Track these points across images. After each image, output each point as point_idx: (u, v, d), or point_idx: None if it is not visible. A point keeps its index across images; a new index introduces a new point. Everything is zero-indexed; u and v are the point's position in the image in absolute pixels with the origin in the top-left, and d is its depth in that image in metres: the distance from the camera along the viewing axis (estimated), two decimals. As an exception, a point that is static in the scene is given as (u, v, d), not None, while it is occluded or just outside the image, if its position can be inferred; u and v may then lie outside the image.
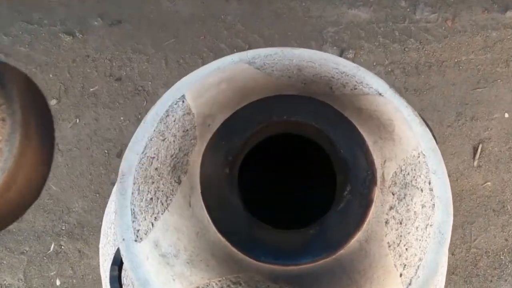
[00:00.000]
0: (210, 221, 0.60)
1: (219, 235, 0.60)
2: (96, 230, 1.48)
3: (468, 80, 1.63)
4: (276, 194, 0.85)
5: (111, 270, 0.71)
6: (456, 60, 1.64)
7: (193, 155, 0.65)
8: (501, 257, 1.47)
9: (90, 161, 1.56)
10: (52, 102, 1.60)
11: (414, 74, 1.62)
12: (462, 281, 1.44)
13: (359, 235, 0.60)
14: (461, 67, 1.63)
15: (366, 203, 0.61)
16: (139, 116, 1.56)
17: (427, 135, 0.73)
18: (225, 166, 0.62)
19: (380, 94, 0.73)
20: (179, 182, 0.63)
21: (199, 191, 0.62)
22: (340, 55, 1.64)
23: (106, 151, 1.56)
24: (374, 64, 1.63)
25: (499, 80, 1.62)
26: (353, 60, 1.63)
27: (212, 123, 0.66)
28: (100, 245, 0.97)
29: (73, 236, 1.50)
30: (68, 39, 1.65)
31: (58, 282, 1.47)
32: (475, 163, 1.54)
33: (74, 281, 1.47)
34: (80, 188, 1.53)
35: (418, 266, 0.65)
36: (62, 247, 1.50)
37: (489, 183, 1.53)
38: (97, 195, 1.51)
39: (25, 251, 1.50)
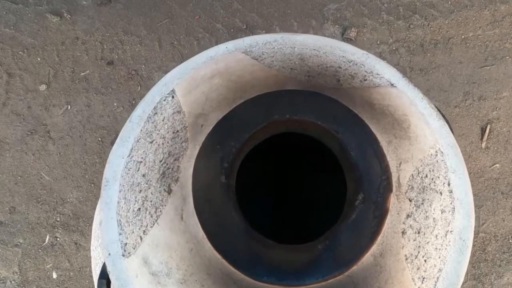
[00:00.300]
0: (205, 236, 0.53)
1: (215, 252, 0.52)
2: (92, 221, 1.41)
3: (475, 58, 1.53)
4: (277, 203, 0.77)
5: (99, 284, 0.64)
6: (463, 37, 1.54)
7: (185, 160, 0.56)
8: (510, 240, 1.41)
9: (84, 149, 1.47)
10: (42, 87, 1.51)
11: (419, 53, 1.52)
12: (470, 266, 1.38)
13: (373, 249, 0.53)
14: (468, 44, 1.54)
15: (381, 213, 0.53)
16: (133, 102, 1.47)
17: (445, 129, 0.64)
18: (220, 174, 0.54)
19: (392, 84, 0.64)
20: (169, 192, 0.56)
21: (192, 202, 0.54)
22: (342, 34, 1.54)
23: (99, 139, 1.47)
24: (378, 43, 1.53)
25: (507, 57, 1.53)
26: (355, 39, 1.53)
27: (205, 123, 0.57)
28: (91, 247, 0.90)
29: (69, 228, 1.43)
30: (55, 20, 1.55)
31: (54, 275, 1.41)
32: (483, 145, 1.46)
33: (71, 273, 1.41)
34: (74, 178, 1.46)
35: (438, 278, 0.57)
36: (58, 239, 1.43)
37: (497, 165, 1.45)
38: (92, 185, 1.44)
39: (19, 243, 1.44)
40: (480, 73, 1.52)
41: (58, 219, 1.45)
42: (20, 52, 1.53)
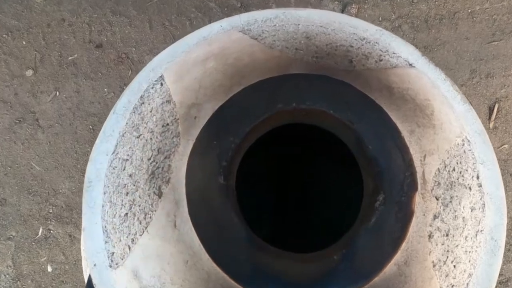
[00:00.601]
0: (201, 246, 0.45)
1: (214, 265, 0.44)
2: (85, 212, 1.34)
3: (482, 33, 1.44)
4: (281, 204, 0.69)
5: (85, 296, 0.56)
6: (469, 11, 1.44)
7: (176, 158, 0.48)
8: (519, 223, 1.34)
9: (74, 138, 1.38)
10: (28, 73, 1.41)
11: (423, 29, 1.43)
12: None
13: (396, 257, 0.45)
14: (475, 18, 1.44)
15: (405, 215, 0.45)
16: (124, 87, 1.38)
17: (471, 114, 0.56)
18: (218, 174, 0.46)
19: (411, 64, 0.55)
20: (160, 195, 0.47)
21: (186, 207, 0.46)
22: (342, 11, 1.44)
23: (90, 126, 1.38)
24: (380, 19, 1.43)
25: (516, 31, 1.44)
26: (356, 16, 1.43)
27: (199, 114, 0.49)
28: (82, 247, 0.82)
29: (62, 220, 1.35)
30: (40, 0, 1.44)
31: (49, 268, 1.34)
32: (491, 125, 1.38)
33: (67, 267, 1.34)
34: (65, 168, 1.37)
35: (467, 284, 0.50)
36: (51, 231, 1.36)
37: (506, 146, 1.37)
38: (85, 175, 1.35)
39: (11, 236, 1.36)
40: (488, 49, 1.42)
41: (51, 211, 1.37)
42: (4, 35, 1.43)
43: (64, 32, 1.44)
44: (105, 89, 1.40)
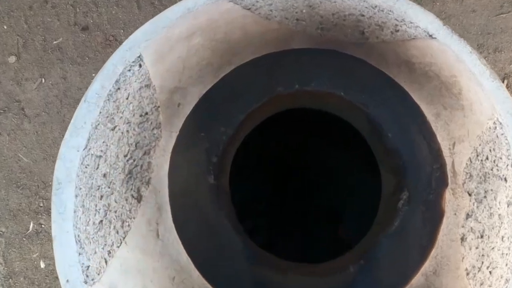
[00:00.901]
0: (190, 261, 0.37)
1: (206, 283, 0.36)
2: (77, 204, 1.26)
3: (490, 5, 1.34)
4: (280, 203, 0.60)
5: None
6: (476, -19, 1.34)
7: (157, 154, 0.40)
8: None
9: (63, 126, 1.30)
10: (11, 59, 1.31)
11: (428, 2, 1.33)
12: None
13: (424, 266, 0.37)
14: (482, -11, 1.34)
15: (434, 217, 0.37)
16: (113, 72, 1.28)
17: (501, 92, 0.47)
18: (207, 172, 0.37)
19: (431, 36, 0.47)
20: (139, 199, 0.39)
21: (170, 213, 0.37)
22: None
23: (79, 114, 1.29)
24: (382, -8, 1.33)
25: (525, 2, 1.34)
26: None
27: (183, 101, 0.40)
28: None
29: (53, 213, 1.27)
30: (20, -17, 1.34)
31: (42, 265, 1.27)
32: (500, 101, 1.30)
33: (59, 261, 1.26)
34: (54, 159, 1.29)
35: (503, 292, 0.42)
36: (43, 225, 1.28)
37: (516, 123, 1.29)
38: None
39: (1, 232, 1.28)
40: (495, 22, 1.33)
41: (41, 204, 1.29)
42: (-17, 21, 1.33)
43: (48, 15, 1.33)
44: (93, 74, 1.31)
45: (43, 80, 1.31)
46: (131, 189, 0.39)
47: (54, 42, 1.32)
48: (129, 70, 0.45)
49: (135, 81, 0.44)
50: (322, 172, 0.59)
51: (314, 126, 0.52)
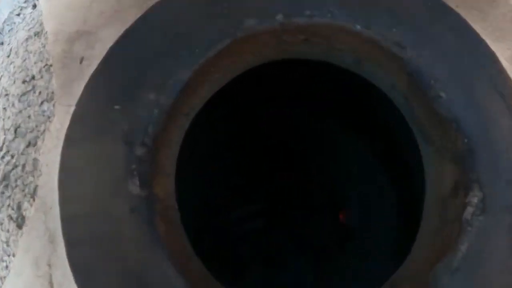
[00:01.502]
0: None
1: None
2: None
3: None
4: (269, 214, 0.43)
5: None
6: None
7: (48, 146, 0.23)
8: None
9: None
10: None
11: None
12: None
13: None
14: None
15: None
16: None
17: None
18: (128, 175, 0.21)
19: None
20: (20, 223, 0.23)
21: (66, 254, 0.21)
22: None
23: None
24: None
25: None
26: None
27: (89, 53, 0.23)
28: None
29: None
30: None
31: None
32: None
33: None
34: None
35: None
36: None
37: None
38: None
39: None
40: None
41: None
42: None
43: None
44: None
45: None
46: (8, 205, 0.23)
47: None
48: (18, 15, 0.28)
49: (23, 29, 0.27)
50: (326, 156, 0.43)
51: (317, 94, 0.34)
